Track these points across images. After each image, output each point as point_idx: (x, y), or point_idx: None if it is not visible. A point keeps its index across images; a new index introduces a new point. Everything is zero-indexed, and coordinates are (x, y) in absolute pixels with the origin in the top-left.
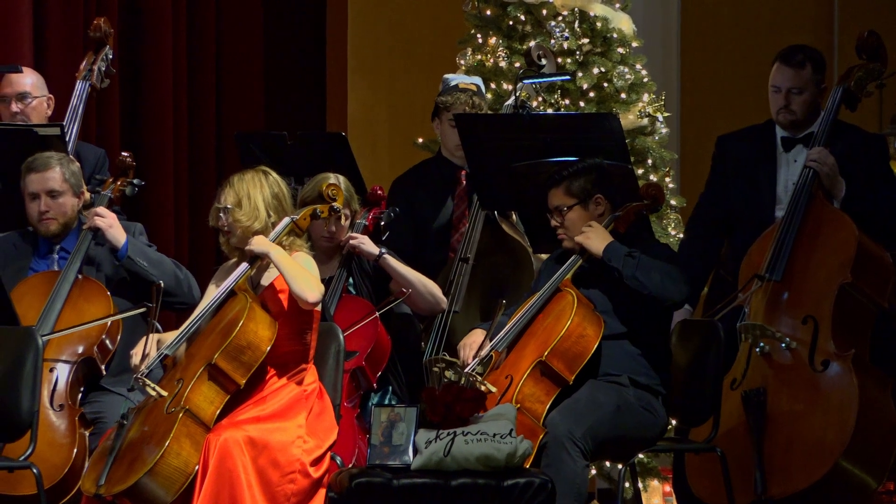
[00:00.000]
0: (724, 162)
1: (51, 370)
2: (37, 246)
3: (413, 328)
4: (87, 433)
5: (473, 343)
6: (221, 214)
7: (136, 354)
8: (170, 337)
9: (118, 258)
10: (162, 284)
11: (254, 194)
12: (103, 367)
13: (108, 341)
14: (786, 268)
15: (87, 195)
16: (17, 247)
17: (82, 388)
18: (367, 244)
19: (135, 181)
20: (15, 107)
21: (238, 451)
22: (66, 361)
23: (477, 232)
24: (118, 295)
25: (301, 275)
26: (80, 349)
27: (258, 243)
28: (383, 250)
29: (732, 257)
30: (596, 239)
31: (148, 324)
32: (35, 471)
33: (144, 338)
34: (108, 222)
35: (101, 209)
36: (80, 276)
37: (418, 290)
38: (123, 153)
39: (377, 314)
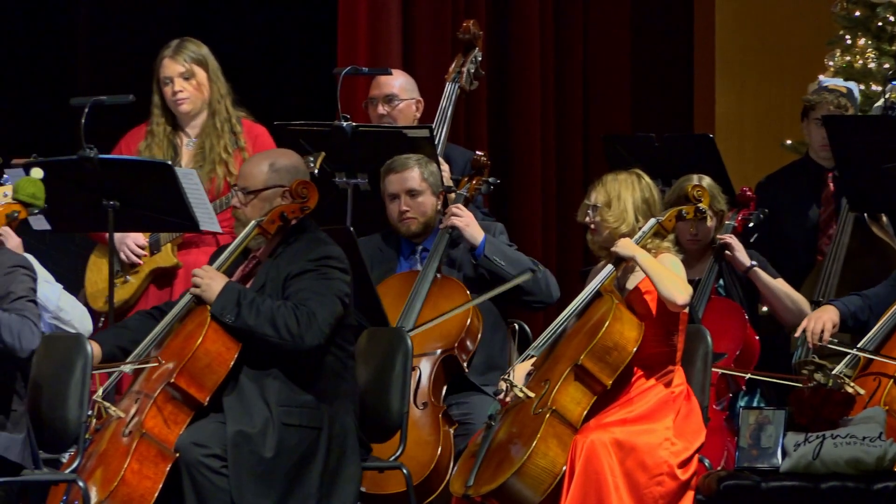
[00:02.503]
0: None
1: (414, 368)
2: (400, 247)
3: (781, 331)
4: (451, 431)
5: (818, 319)
6: (589, 212)
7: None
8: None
9: (475, 256)
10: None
11: (624, 196)
12: (465, 364)
13: (468, 341)
14: None
15: (451, 195)
16: (381, 249)
17: (445, 386)
18: (739, 251)
19: (490, 180)
20: (381, 109)
21: (605, 452)
22: (427, 359)
23: (846, 235)
24: (479, 292)
25: (669, 278)
26: (441, 347)
27: (624, 246)
28: (754, 262)
29: None
30: None
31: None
32: (405, 471)
33: (515, 361)
34: (465, 220)
35: (458, 208)
36: (438, 276)
37: (786, 305)
38: (479, 152)
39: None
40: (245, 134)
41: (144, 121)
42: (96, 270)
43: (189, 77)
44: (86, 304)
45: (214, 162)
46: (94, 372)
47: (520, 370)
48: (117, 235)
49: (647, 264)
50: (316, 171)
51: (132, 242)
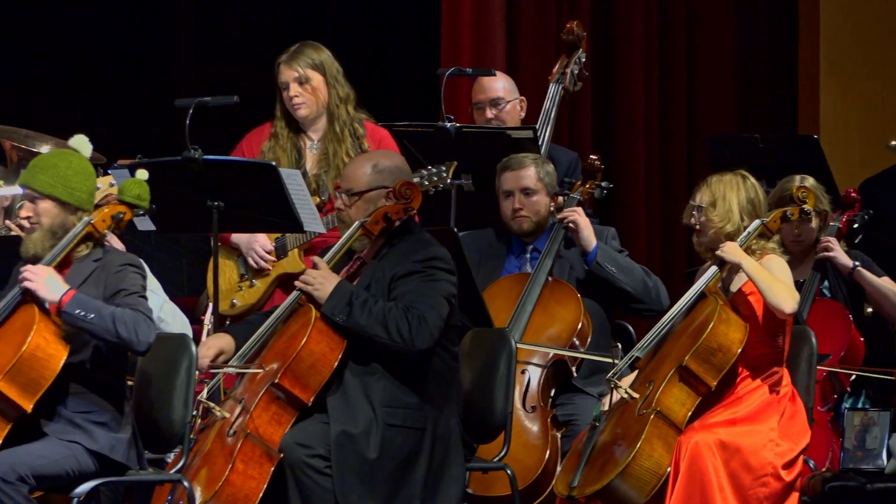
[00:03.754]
0: None
1: (522, 372)
2: (510, 245)
3: (886, 332)
4: (558, 434)
5: None
6: (694, 212)
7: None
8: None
9: (587, 263)
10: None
11: (729, 196)
12: (574, 368)
13: (577, 343)
14: None
15: (560, 198)
16: (491, 245)
17: (553, 390)
18: (840, 255)
19: (603, 184)
20: (489, 112)
21: (709, 453)
22: (537, 364)
23: None
24: (589, 297)
25: (776, 286)
26: (552, 352)
27: (730, 252)
28: (857, 263)
29: None
30: None
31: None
32: (509, 472)
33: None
34: (583, 223)
35: (573, 211)
36: (550, 279)
37: (893, 303)
38: (592, 156)
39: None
40: (368, 137)
41: (252, 121)
42: (219, 273)
43: (304, 82)
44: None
45: (338, 168)
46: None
47: (624, 383)
48: (245, 239)
49: (753, 271)
50: (449, 180)
51: (259, 247)
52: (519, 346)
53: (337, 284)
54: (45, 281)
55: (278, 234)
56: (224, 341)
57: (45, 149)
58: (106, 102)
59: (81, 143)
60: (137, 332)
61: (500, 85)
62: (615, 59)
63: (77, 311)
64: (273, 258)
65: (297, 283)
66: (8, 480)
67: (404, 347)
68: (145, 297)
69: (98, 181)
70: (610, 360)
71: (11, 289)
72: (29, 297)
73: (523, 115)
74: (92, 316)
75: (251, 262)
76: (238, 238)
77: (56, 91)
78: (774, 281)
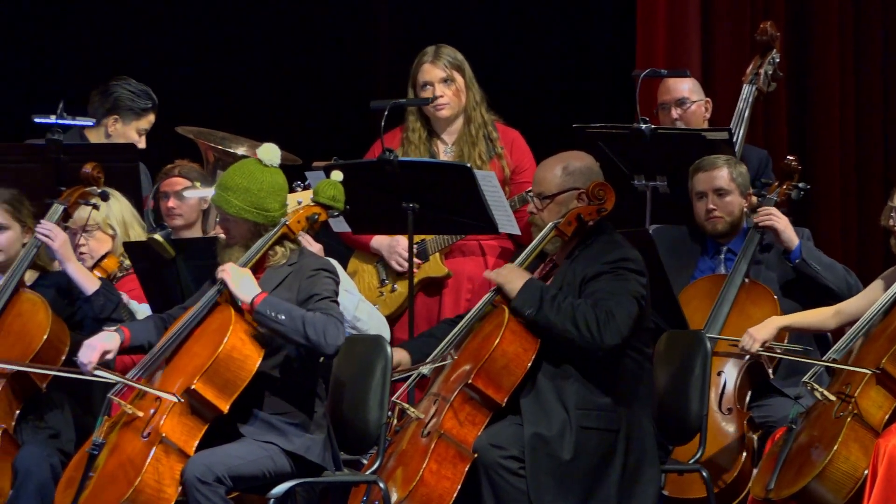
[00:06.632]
0: None
1: (718, 374)
2: (704, 245)
3: None
4: (755, 437)
5: None
6: (893, 214)
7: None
8: None
9: (790, 260)
10: None
11: None
12: (770, 370)
13: (774, 345)
14: None
15: (753, 198)
16: (685, 244)
17: (750, 392)
18: None
19: (800, 185)
20: (674, 113)
21: None
22: (734, 364)
23: None
24: (789, 297)
25: None
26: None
27: None
28: None
29: None
30: None
31: None
32: (704, 474)
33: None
34: (784, 223)
35: (772, 213)
36: (746, 280)
37: None
38: (789, 157)
39: None
40: (501, 139)
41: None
42: (357, 279)
43: (449, 82)
44: None
45: None
46: (394, 380)
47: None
48: (387, 243)
49: None
50: None
51: (404, 251)
52: (715, 338)
53: (526, 280)
54: (240, 280)
55: (419, 239)
56: (401, 355)
57: (241, 150)
58: (302, 104)
59: (270, 153)
60: (326, 335)
61: (685, 86)
62: (810, 59)
63: (268, 311)
64: (418, 261)
65: (487, 274)
66: (205, 481)
67: (593, 343)
68: (337, 302)
69: (288, 198)
70: (807, 360)
71: (209, 290)
72: (223, 298)
73: (708, 115)
74: (282, 317)
75: (395, 265)
76: (379, 243)
77: (252, 93)
78: None
